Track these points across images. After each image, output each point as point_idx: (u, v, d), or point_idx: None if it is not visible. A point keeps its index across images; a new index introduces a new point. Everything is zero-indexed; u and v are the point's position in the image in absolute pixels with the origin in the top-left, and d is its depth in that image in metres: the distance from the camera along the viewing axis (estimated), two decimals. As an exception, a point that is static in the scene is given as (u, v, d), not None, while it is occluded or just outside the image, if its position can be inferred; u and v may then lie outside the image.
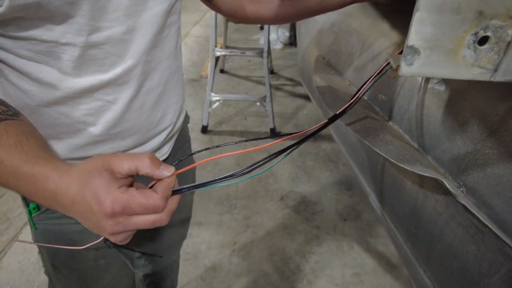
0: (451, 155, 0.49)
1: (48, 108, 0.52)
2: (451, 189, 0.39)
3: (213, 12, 2.25)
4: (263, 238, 1.71)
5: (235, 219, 1.81)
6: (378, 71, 0.42)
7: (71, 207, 0.38)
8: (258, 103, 2.47)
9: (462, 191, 0.47)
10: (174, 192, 0.41)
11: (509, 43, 0.22)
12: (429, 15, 0.21)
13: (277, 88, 3.07)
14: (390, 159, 0.43)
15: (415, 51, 0.22)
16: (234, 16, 0.69)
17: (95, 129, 0.55)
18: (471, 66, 0.23)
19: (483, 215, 0.40)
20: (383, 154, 0.44)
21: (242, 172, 0.43)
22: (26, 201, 0.59)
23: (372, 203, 0.81)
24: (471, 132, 0.46)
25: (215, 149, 0.53)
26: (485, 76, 0.24)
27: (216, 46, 2.35)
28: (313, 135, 0.48)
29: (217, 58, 2.42)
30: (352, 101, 0.45)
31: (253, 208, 1.88)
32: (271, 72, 3.22)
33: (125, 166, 0.37)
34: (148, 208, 0.37)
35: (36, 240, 0.62)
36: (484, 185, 0.43)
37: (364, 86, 0.43)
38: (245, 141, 0.50)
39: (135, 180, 0.40)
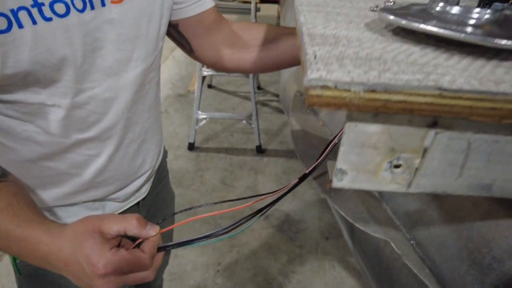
0: (405, 210, 0.55)
1: (33, 163, 0.54)
2: (396, 249, 0.45)
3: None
4: (247, 258, 1.75)
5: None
6: (338, 135, 0.48)
7: (64, 268, 0.42)
8: (244, 121, 2.52)
9: (412, 244, 0.53)
10: (159, 249, 0.46)
11: (417, 168, 0.28)
12: (352, 149, 0.27)
13: (264, 103, 3.13)
14: (346, 217, 0.49)
15: (343, 172, 0.28)
16: (214, 67, 0.75)
17: (80, 180, 0.59)
18: (389, 183, 0.29)
19: (425, 272, 0.46)
20: (341, 213, 0.50)
21: (222, 232, 0.48)
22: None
23: (344, 236, 0.86)
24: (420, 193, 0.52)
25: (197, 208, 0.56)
26: (401, 189, 0.30)
27: (203, 66, 2.40)
28: (285, 195, 0.54)
29: (204, 77, 2.48)
30: (318, 161, 0.51)
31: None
32: (258, 87, 3.29)
33: (114, 228, 0.42)
34: (137, 267, 0.42)
35: (20, 285, 0.65)
36: (429, 241, 0.49)
37: (326, 151, 0.49)
38: (222, 202, 0.55)
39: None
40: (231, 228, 0.48)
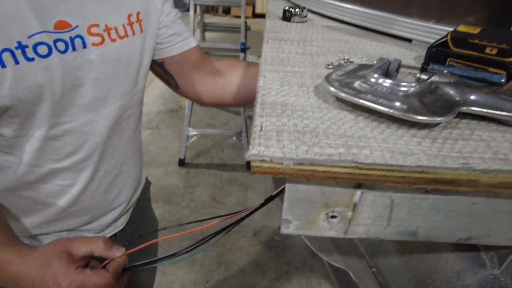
0: (367, 240, 0.60)
1: (9, 192, 0.55)
2: (354, 279, 0.49)
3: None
4: (235, 275, 1.77)
5: (208, 256, 1.88)
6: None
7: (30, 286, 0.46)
8: (234, 137, 2.57)
9: (374, 271, 0.58)
10: (124, 270, 0.49)
11: (350, 219, 0.33)
12: (293, 204, 0.32)
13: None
14: (311, 247, 0.54)
15: (288, 221, 0.33)
16: (197, 101, 0.79)
17: (53, 209, 0.60)
18: (328, 230, 0.34)
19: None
20: (307, 242, 0.55)
21: (185, 251, 0.52)
22: None
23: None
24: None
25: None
26: (339, 235, 0.35)
27: (193, 83, 2.46)
28: (249, 215, 0.58)
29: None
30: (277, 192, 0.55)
31: (226, 244, 1.95)
32: (249, 103, 3.35)
33: (82, 249, 0.46)
34: (101, 286, 0.45)
35: None
36: (386, 270, 0.54)
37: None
38: (189, 223, 0.59)
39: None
40: (194, 247, 0.51)
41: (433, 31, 0.59)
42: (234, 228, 0.53)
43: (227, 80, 0.74)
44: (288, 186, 0.31)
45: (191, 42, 0.70)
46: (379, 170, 0.28)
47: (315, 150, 0.28)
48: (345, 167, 0.28)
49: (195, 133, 2.48)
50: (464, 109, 0.35)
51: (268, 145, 0.28)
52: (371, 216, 0.33)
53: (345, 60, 0.46)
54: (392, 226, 0.34)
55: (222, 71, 0.75)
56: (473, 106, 0.35)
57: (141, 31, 0.59)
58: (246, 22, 2.58)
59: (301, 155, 0.27)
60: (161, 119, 3.15)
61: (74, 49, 0.49)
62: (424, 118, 0.32)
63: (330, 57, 0.50)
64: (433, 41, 0.50)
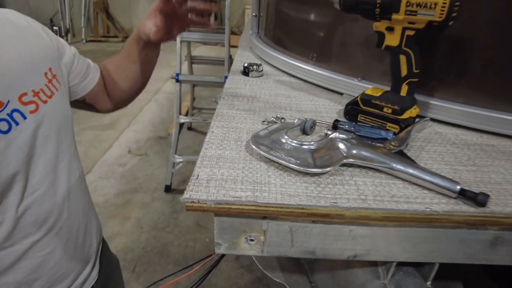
0: (309, 259, 0.72)
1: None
2: None
3: (177, 85, 2.53)
4: (216, 298, 1.85)
5: (191, 280, 1.95)
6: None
7: None
8: None
9: (313, 286, 0.69)
10: None
11: (263, 242, 0.46)
12: (220, 231, 0.45)
13: (240, 146, 3.32)
14: (258, 265, 0.66)
15: (219, 244, 0.46)
16: (117, 109, 0.82)
17: (39, 283, 0.60)
18: (249, 250, 0.47)
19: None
20: (256, 261, 0.67)
21: None
22: None
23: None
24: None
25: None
26: (258, 254, 0.48)
27: (180, 113, 2.61)
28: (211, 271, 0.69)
29: (182, 124, 2.67)
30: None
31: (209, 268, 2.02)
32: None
33: None
34: None
35: None
36: (321, 285, 0.66)
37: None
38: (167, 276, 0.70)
39: None
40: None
41: (358, 87, 0.75)
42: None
43: (117, 82, 0.77)
44: (215, 219, 0.44)
45: (96, 71, 0.73)
46: (272, 207, 0.41)
47: (230, 194, 0.42)
48: (250, 205, 0.41)
49: (181, 160, 2.60)
50: (349, 160, 0.49)
51: (198, 190, 0.42)
52: (278, 240, 0.46)
53: (277, 117, 0.61)
54: (295, 247, 0.47)
55: (113, 77, 0.78)
56: (355, 158, 0.49)
57: (60, 84, 0.61)
58: (230, 56, 2.78)
59: (219, 197, 0.41)
60: (149, 146, 3.27)
61: (17, 123, 0.51)
62: (312, 170, 0.45)
63: (269, 113, 0.64)
64: (356, 95, 0.65)
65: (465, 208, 0.43)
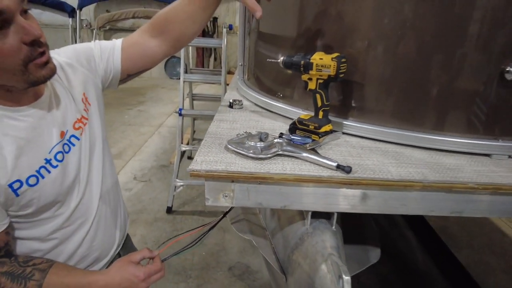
0: (271, 227, 1.08)
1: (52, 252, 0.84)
2: (256, 245, 0.97)
3: (180, 119, 2.96)
4: (211, 302, 2.12)
5: (189, 287, 2.24)
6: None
7: (118, 287, 0.84)
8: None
9: (273, 247, 1.04)
10: (162, 261, 0.94)
11: (232, 197, 0.84)
12: (209, 190, 0.83)
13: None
14: (236, 230, 1.01)
15: (208, 198, 0.84)
16: (175, 48, 0.98)
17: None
18: (225, 202, 0.84)
19: (273, 258, 0.97)
20: (239, 232, 1.03)
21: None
22: None
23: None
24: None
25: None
26: (230, 204, 0.85)
27: (182, 142, 3.01)
28: (212, 227, 1.05)
29: (184, 151, 3.06)
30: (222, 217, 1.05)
31: (205, 277, 2.32)
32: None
33: (137, 257, 0.90)
34: (155, 271, 0.89)
35: None
36: (275, 241, 1.01)
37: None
38: (180, 234, 1.06)
39: None
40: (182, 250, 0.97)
41: (299, 114, 1.15)
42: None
43: (162, 26, 0.93)
44: (206, 183, 0.82)
45: (118, 44, 0.92)
46: (236, 174, 0.79)
47: (214, 167, 0.80)
48: (223, 173, 0.79)
49: (181, 183, 2.96)
50: (280, 152, 0.87)
51: (196, 166, 0.80)
52: (241, 195, 0.83)
53: (245, 132, 1.00)
54: (251, 200, 0.83)
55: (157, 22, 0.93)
56: (284, 151, 0.88)
57: (90, 104, 0.87)
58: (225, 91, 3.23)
59: (207, 168, 0.79)
60: (153, 173, 3.64)
61: (73, 145, 0.80)
62: (258, 156, 0.84)
63: (241, 130, 1.04)
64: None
65: (340, 175, 0.81)
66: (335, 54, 0.92)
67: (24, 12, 0.65)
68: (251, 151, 0.85)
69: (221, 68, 2.98)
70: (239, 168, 0.81)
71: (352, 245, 1.06)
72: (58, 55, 0.85)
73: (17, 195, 0.70)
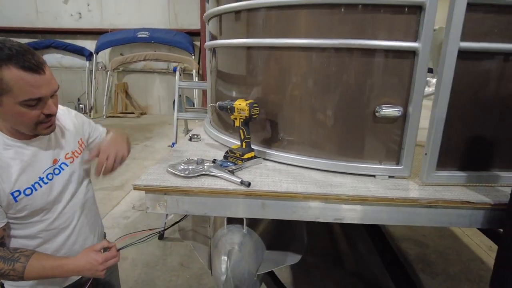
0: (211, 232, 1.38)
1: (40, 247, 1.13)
2: (193, 247, 1.26)
3: (171, 151, 3.33)
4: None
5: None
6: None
7: (82, 269, 1.14)
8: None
9: (210, 247, 1.34)
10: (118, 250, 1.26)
11: (165, 206, 1.16)
12: (149, 201, 1.16)
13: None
14: (183, 240, 1.32)
15: (148, 207, 1.17)
16: None
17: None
18: (161, 210, 1.17)
19: (206, 257, 1.27)
20: (182, 238, 1.33)
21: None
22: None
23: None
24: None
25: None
26: (164, 212, 1.17)
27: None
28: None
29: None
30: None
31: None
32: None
33: (98, 246, 1.23)
34: (111, 257, 1.21)
35: None
36: (213, 244, 1.30)
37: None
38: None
39: None
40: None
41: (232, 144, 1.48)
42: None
43: None
44: (146, 195, 1.14)
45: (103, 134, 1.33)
46: (167, 188, 1.12)
47: (152, 183, 1.13)
48: (158, 188, 1.12)
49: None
50: (205, 172, 1.20)
51: (139, 182, 1.13)
52: (172, 204, 1.15)
53: (188, 158, 1.34)
54: (180, 208, 1.15)
55: None
56: (207, 172, 1.20)
57: (83, 148, 1.22)
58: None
59: (146, 183, 1.12)
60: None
61: (63, 169, 1.12)
62: (186, 175, 1.17)
63: (189, 156, 1.38)
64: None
65: (243, 188, 1.12)
66: (250, 101, 1.28)
67: (52, 95, 1.02)
68: (182, 172, 1.18)
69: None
70: (170, 183, 1.14)
71: (276, 251, 1.34)
72: (70, 113, 1.25)
73: (16, 201, 1.04)
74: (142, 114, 9.26)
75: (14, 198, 1.02)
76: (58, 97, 1.05)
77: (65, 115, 1.23)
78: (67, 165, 1.15)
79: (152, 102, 9.47)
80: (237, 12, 1.49)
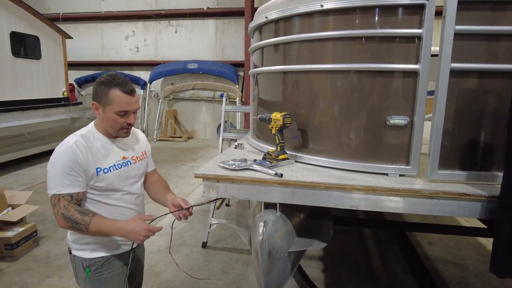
0: (249, 223, 1.71)
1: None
2: (238, 232, 1.61)
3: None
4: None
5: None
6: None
7: (128, 231, 1.56)
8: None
9: (249, 233, 1.66)
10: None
11: (217, 191, 1.54)
12: (206, 186, 1.54)
13: (265, 219, 4.28)
14: (226, 221, 1.67)
15: (204, 192, 1.55)
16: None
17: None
18: (214, 195, 1.54)
19: (248, 241, 1.60)
20: (228, 223, 1.68)
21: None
22: (83, 268, 1.57)
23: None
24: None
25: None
26: (216, 196, 1.54)
27: (218, 187, 3.77)
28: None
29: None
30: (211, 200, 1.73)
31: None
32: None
33: (145, 217, 1.63)
34: (155, 229, 1.61)
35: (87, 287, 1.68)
36: (253, 226, 1.63)
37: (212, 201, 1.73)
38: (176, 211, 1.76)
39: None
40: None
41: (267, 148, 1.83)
42: None
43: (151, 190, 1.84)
44: (203, 182, 1.52)
45: (151, 167, 1.83)
46: (220, 177, 1.50)
47: (208, 173, 1.52)
48: (212, 176, 1.50)
49: (215, 222, 3.64)
50: (248, 167, 1.56)
51: (197, 172, 1.52)
52: (222, 190, 1.51)
53: (235, 158, 1.71)
54: (228, 193, 1.51)
55: (153, 184, 1.85)
56: (250, 166, 1.56)
57: (144, 158, 1.71)
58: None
59: (204, 173, 1.51)
60: (195, 216, 4.39)
61: (128, 165, 1.62)
62: (232, 168, 1.54)
63: (237, 158, 1.76)
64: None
65: (277, 178, 1.46)
66: (284, 113, 1.64)
67: (134, 112, 1.54)
68: (230, 166, 1.56)
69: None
70: (221, 174, 1.51)
71: (304, 238, 1.64)
72: (143, 134, 1.81)
73: (97, 175, 1.51)
74: (189, 138, 10.03)
75: (97, 172, 1.50)
76: (136, 114, 1.56)
77: (140, 133, 1.78)
78: (131, 163, 1.62)
79: (198, 127, 10.23)
80: (276, 45, 1.90)
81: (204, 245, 3.65)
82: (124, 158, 1.59)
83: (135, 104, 1.51)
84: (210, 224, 3.65)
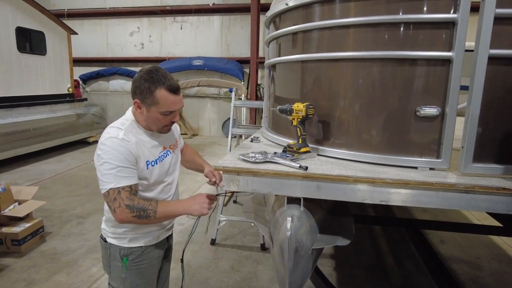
0: (266, 216, 1.63)
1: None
2: (255, 225, 1.53)
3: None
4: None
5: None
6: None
7: (192, 206, 1.48)
8: (253, 224, 3.59)
9: (269, 227, 1.59)
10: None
11: (238, 184, 1.46)
12: (227, 179, 1.46)
13: (273, 216, 4.20)
14: (244, 215, 1.59)
15: (224, 185, 1.47)
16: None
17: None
18: (234, 188, 1.46)
19: (267, 232, 1.52)
20: (246, 217, 1.61)
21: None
22: (120, 257, 1.54)
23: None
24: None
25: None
26: (237, 189, 1.46)
27: (227, 184, 3.69)
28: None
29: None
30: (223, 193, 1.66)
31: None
32: (270, 204, 4.43)
33: (206, 193, 1.57)
34: (213, 198, 1.54)
35: (125, 276, 1.56)
36: (273, 220, 1.56)
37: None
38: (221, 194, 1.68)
39: None
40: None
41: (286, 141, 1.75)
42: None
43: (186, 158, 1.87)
44: (224, 175, 1.45)
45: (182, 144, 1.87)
46: (240, 170, 1.42)
47: (228, 165, 1.44)
48: (232, 169, 1.42)
49: (224, 219, 3.56)
50: (269, 159, 1.48)
51: (217, 165, 1.45)
52: (243, 183, 1.44)
53: (253, 152, 1.64)
54: (249, 187, 1.43)
55: (186, 153, 1.88)
56: (271, 159, 1.48)
57: (177, 146, 1.70)
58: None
59: (224, 165, 1.43)
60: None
61: (167, 156, 1.59)
62: (253, 160, 1.46)
63: (256, 150, 1.68)
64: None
65: (301, 172, 1.38)
66: (306, 103, 1.56)
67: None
68: (250, 158, 1.48)
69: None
70: (242, 166, 1.43)
71: (328, 235, 1.56)
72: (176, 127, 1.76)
73: (147, 168, 1.46)
74: (194, 135, 9.95)
75: (147, 165, 1.47)
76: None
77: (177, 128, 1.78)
78: (170, 153, 1.61)
79: (203, 124, 10.15)
80: (295, 34, 1.81)
81: (213, 242, 3.58)
82: (164, 148, 1.56)
83: (181, 102, 1.45)
84: (219, 221, 3.57)
